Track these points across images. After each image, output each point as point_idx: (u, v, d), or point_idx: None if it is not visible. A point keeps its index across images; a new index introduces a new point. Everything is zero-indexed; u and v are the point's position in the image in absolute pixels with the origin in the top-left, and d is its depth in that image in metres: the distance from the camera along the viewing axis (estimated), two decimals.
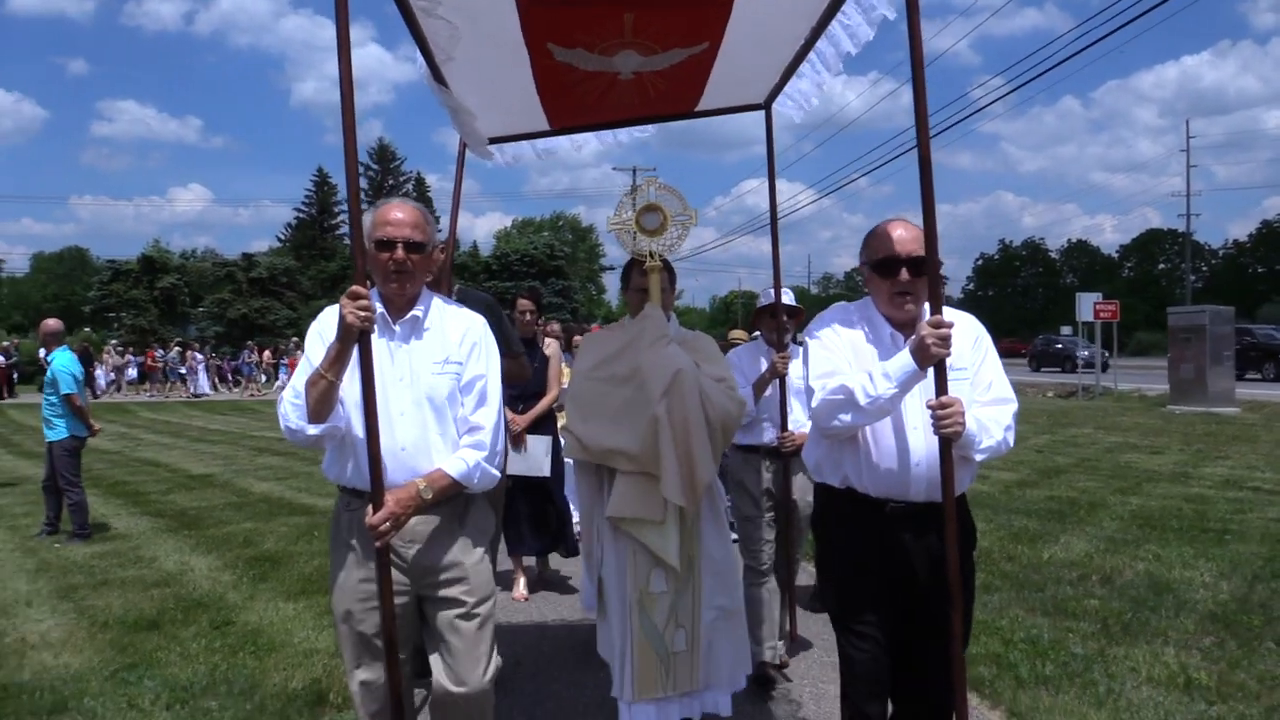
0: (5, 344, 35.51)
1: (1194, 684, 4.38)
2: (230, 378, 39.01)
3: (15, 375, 33.25)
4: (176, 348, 36.30)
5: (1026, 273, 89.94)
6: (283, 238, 62.86)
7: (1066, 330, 36.57)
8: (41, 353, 30.05)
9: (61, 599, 6.17)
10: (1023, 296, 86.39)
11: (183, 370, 34.42)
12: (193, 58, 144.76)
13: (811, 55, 3.90)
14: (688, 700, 3.48)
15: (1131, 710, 4.10)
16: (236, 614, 5.74)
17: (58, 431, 8.03)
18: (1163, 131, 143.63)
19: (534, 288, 6.92)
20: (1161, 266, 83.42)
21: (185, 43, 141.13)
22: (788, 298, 4.81)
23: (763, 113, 4.75)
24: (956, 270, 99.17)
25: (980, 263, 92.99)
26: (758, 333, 5.02)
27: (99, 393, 32.05)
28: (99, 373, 33.63)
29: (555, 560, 6.77)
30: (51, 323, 8.31)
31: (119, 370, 35.32)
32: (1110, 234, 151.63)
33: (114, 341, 38.28)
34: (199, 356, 34.95)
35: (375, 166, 62.50)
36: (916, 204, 2.61)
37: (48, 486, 8.28)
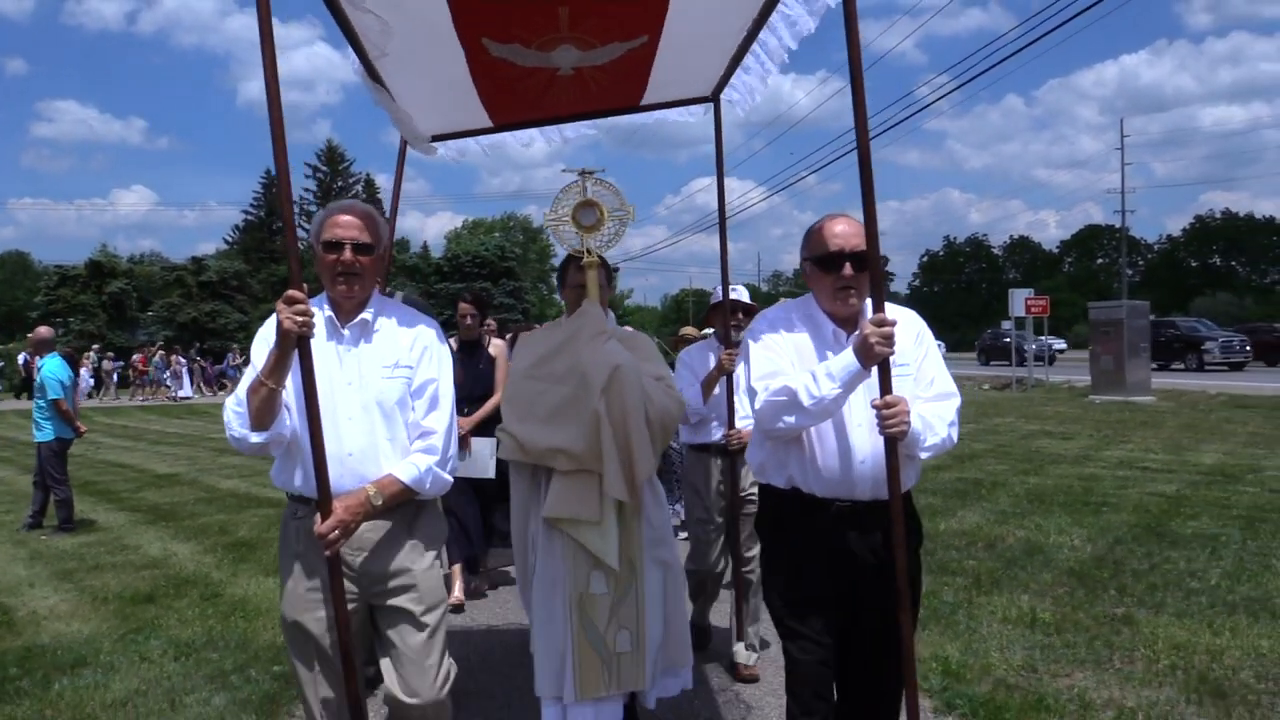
0: None
1: (1038, 622, 5.28)
2: (215, 381, 38.97)
3: None
4: (160, 351, 36.24)
5: (970, 269, 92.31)
6: (230, 240, 62.40)
7: (1007, 325, 37.86)
8: (22, 358, 29.95)
9: (61, 580, 6.84)
10: (966, 292, 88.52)
11: (167, 375, 34.44)
12: (136, 57, 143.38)
13: (755, 47, 3.84)
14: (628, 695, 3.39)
15: (980, 641, 4.98)
16: (223, 588, 6.45)
17: (45, 433, 8.64)
18: (1103, 129, 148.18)
19: (479, 291, 6.68)
20: (1100, 261, 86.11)
21: (128, 42, 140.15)
22: (743, 295, 4.84)
23: (711, 106, 4.72)
24: (903, 266, 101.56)
25: (925, 259, 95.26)
26: (709, 330, 5.20)
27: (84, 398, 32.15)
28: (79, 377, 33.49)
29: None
30: (43, 330, 8.93)
31: (107, 375, 35.10)
32: (1054, 229, 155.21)
33: (96, 346, 38.02)
34: (183, 360, 35.04)
35: (324, 168, 61.34)
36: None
37: (37, 483, 8.91)
